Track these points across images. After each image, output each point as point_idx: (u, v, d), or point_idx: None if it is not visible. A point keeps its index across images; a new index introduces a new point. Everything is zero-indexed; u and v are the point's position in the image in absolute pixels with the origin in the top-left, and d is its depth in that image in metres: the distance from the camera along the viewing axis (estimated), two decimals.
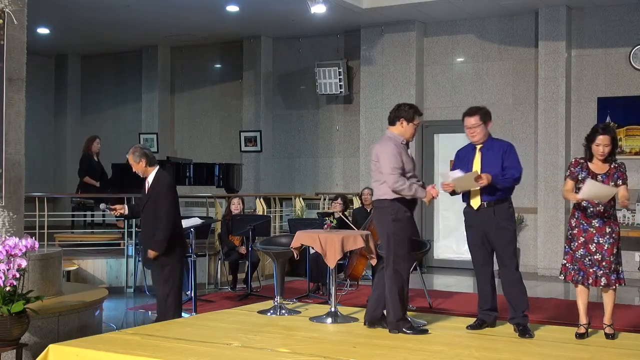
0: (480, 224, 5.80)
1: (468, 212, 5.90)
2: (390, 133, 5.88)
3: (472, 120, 5.85)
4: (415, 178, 5.85)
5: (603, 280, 5.47)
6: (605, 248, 5.47)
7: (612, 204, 5.56)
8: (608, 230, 5.48)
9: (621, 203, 5.51)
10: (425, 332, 5.77)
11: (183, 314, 7.57)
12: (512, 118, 11.80)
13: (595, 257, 5.50)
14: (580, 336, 5.54)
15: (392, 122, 5.89)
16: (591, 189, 5.41)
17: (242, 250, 9.40)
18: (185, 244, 6.93)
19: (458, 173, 5.78)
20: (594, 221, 5.52)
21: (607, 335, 5.53)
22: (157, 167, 6.61)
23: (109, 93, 15.87)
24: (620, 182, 5.49)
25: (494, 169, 5.75)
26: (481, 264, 5.89)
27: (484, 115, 5.89)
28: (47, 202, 9.88)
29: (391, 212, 5.72)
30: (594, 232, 5.51)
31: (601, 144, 5.49)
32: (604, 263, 5.47)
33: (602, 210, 5.50)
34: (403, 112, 5.84)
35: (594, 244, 5.51)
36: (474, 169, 5.81)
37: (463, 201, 5.95)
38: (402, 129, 5.82)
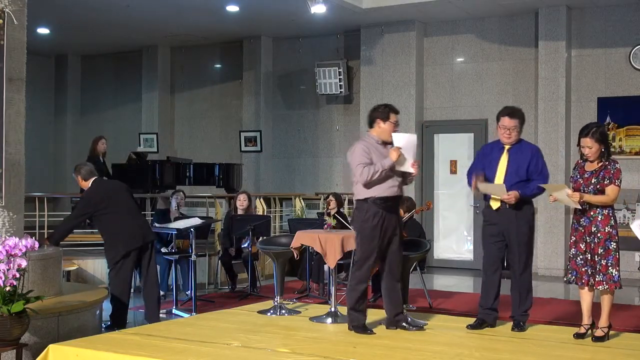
0: (500, 222, 5.80)
1: (488, 212, 5.90)
2: (366, 135, 5.92)
3: (513, 123, 5.83)
4: (395, 175, 5.78)
5: (591, 281, 5.46)
6: (592, 247, 5.46)
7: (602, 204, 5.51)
8: (594, 229, 5.45)
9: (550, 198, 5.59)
10: (371, 332, 5.71)
11: (183, 314, 7.60)
12: None
13: (585, 255, 5.50)
14: (579, 336, 5.54)
15: (370, 124, 5.89)
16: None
17: (231, 251, 9.35)
18: (129, 252, 6.83)
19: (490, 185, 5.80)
20: (581, 220, 5.52)
21: (595, 338, 5.46)
22: (93, 179, 6.96)
23: (109, 93, 15.86)
24: (607, 181, 5.44)
25: (520, 172, 5.76)
26: (492, 263, 5.89)
27: (522, 118, 5.90)
28: (47, 202, 9.88)
29: (361, 212, 5.74)
30: (583, 231, 5.51)
31: (585, 145, 5.52)
32: (591, 262, 5.46)
33: (587, 208, 5.48)
34: (378, 112, 5.85)
35: (584, 243, 5.51)
36: (498, 170, 5.80)
37: (484, 200, 5.97)
38: (380, 129, 5.82)
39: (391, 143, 5.80)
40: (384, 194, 5.69)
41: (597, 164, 5.52)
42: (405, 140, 5.74)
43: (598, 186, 5.45)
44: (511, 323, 5.91)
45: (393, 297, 5.85)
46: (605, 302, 5.49)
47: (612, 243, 5.43)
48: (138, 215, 7.19)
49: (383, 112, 5.82)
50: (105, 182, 7.51)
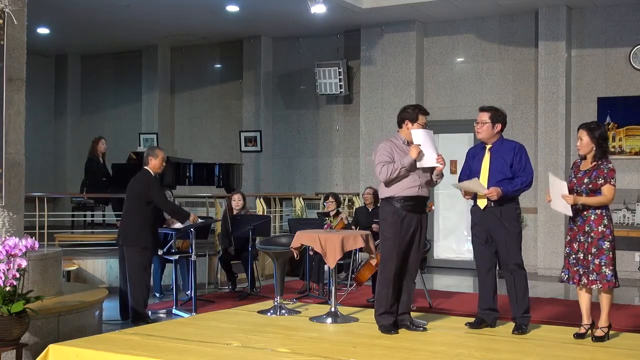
0: (485, 222, 5.80)
1: (475, 210, 5.90)
2: (394, 135, 5.93)
3: (482, 116, 5.90)
4: (418, 175, 5.73)
5: (583, 280, 5.46)
6: (585, 247, 5.46)
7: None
8: (587, 229, 5.45)
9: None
10: (392, 331, 5.69)
11: (183, 314, 7.61)
12: (512, 118, 11.79)
13: (578, 255, 5.50)
14: (579, 336, 5.53)
15: (399, 124, 5.92)
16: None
17: (231, 251, 9.34)
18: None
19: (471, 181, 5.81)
20: (576, 219, 5.52)
21: (595, 338, 5.46)
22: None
23: (109, 93, 15.87)
24: (601, 180, 5.43)
25: (503, 170, 5.76)
26: (484, 264, 5.88)
27: (495, 115, 5.89)
28: (47, 202, 9.87)
29: (381, 210, 5.79)
30: (577, 230, 5.51)
31: (578, 137, 5.54)
32: (584, 262, 5.46)
33: (580, 208, 5.48)
34: (407, 113, 5.86)
35: (577, 243, 5.51)
36: (482, 169, 5.81)
37: (469, 198, 5.95)
38: (408, 130, 5.82)
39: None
40: (402, 194, 5.67)
41: (591, 163, 5.52)
42: (424, 136, 5.73)
43: (590, 186, 5.44)
44: (511, 323, 5.90)
45: (404, 297, 5.83)
46: (604, 301, 5.48)
47: (605, 242, 5.41)
48: (123, 216, 7.53)
49: (412, 113, 5.83)
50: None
